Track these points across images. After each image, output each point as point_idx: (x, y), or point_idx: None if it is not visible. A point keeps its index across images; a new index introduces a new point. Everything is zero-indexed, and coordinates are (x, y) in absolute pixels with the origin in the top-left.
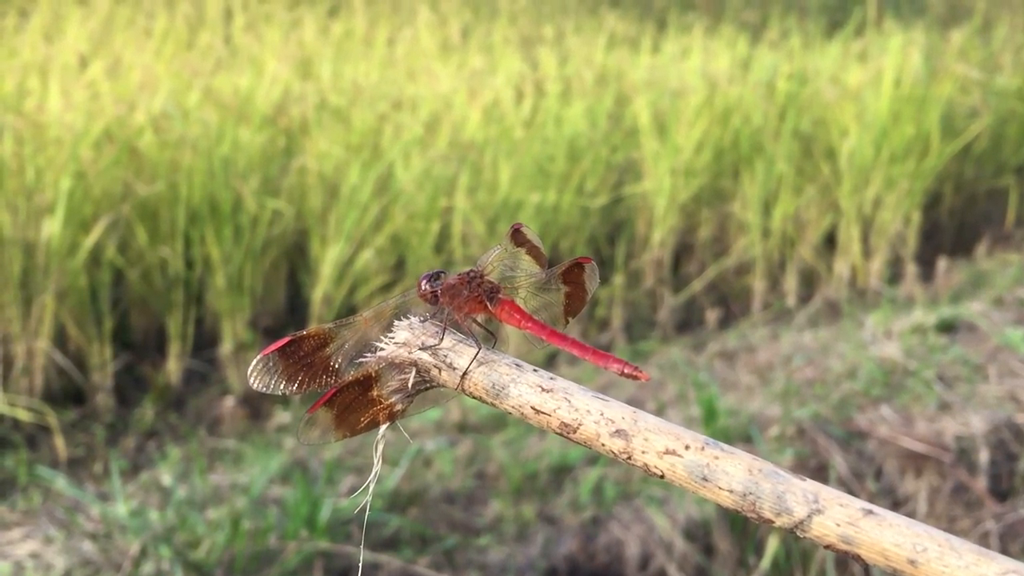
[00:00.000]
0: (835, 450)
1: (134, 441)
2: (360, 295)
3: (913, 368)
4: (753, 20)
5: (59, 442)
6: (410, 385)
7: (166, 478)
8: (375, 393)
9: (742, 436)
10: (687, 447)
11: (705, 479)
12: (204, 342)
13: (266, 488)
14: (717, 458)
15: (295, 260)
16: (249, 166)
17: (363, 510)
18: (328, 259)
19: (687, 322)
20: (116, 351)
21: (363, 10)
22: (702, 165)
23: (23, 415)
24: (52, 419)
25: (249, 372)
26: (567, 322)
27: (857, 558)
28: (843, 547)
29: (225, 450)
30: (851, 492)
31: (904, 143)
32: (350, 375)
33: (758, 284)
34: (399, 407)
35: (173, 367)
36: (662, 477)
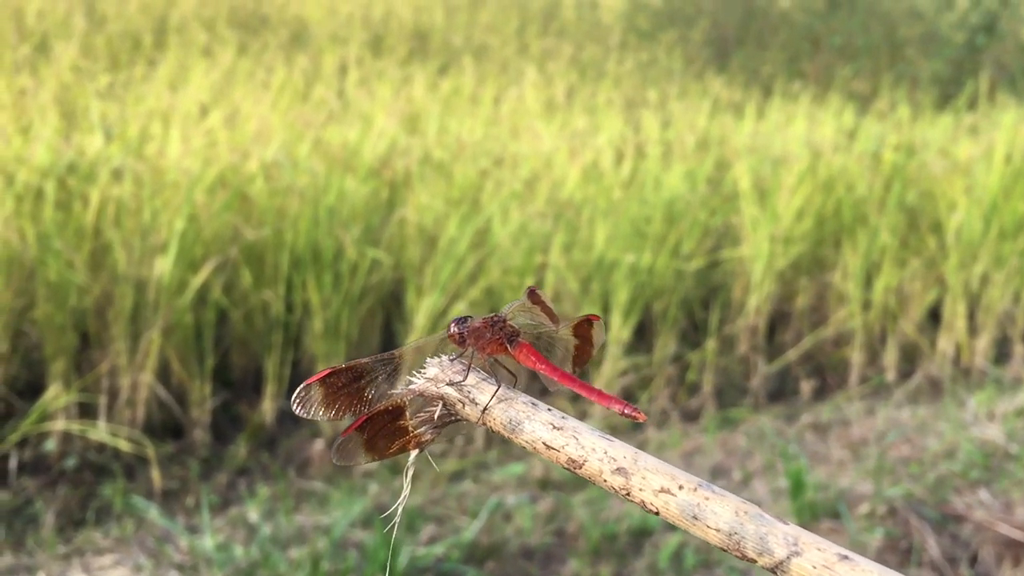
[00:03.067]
0: (928, 532)
1: (226, 477)
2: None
3: (1015, 452)
4: (862, 90)
5: (155, 474)
6: (436, 417)
7: (253, 515)
8: (403, 422)
9: (830, 512)
10: (681, 487)
11: (695, 518)
12: (299, 384)
13: (348, 531)
14: (708, 499)
15: (391, 309)
16: (352, 216)
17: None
18: (422, 309)
19: (780, 391)
20: (215, 389)
21: (472, 69)
22: (802, 233)
23: (124, 445)
24: (150, 451)
25: (292, 399)
26: (575, 370)
27: None
28: None
29: (312, 491)
30: None
31: (1015, 220)
32: (381, 404)
33: (856, 357)
34: (427, 437)
35: (268, 407)
36: (657, 514)
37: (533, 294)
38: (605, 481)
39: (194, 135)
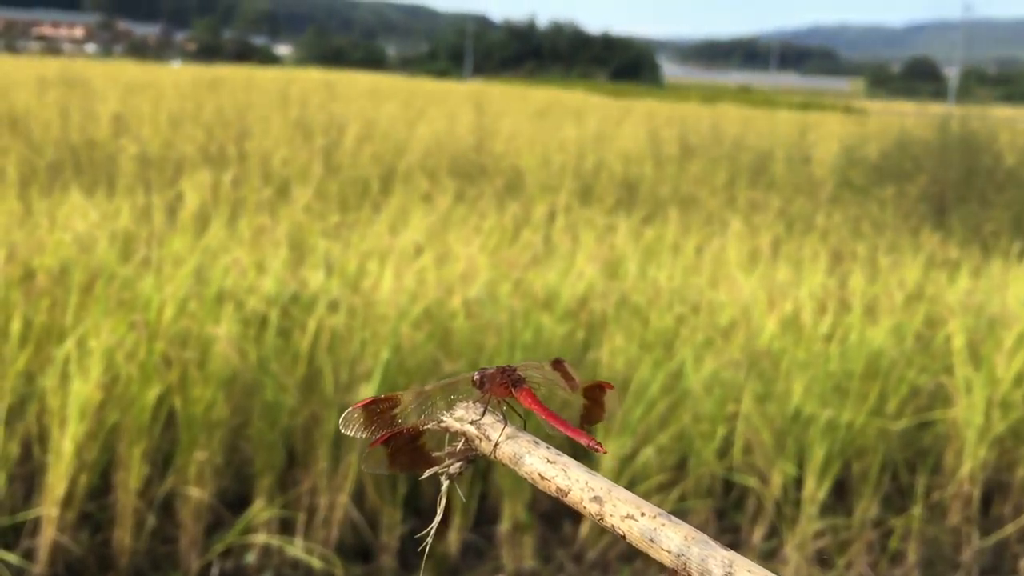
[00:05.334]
0: None
1: None
2: (636, 490)
3: None
4: None
5: None
6: (458, 449)
7: None
8: (420, 444)
9: None
10: (643, 514)
11: (652, 540)
12: (484, 518)
13: None
14: (664, 525)
15: (578, 450)
16: (547, 354)
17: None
18: (610, 452)
19: (997, 569)
20: (405, 515)
21: (677, 218)
22: (1022, 398)
23: (316, 564)
24: (339, 571)
25: (340, 420)
26: (583, 427)
27: None
28: None
29: None
30: None
31: None
32: (401, 426)
33: None
34: (455, 468)
35: (454, 538)
36: (623, 537)
37: (559, 364)
38: (585, 507)
39: (406, 273)
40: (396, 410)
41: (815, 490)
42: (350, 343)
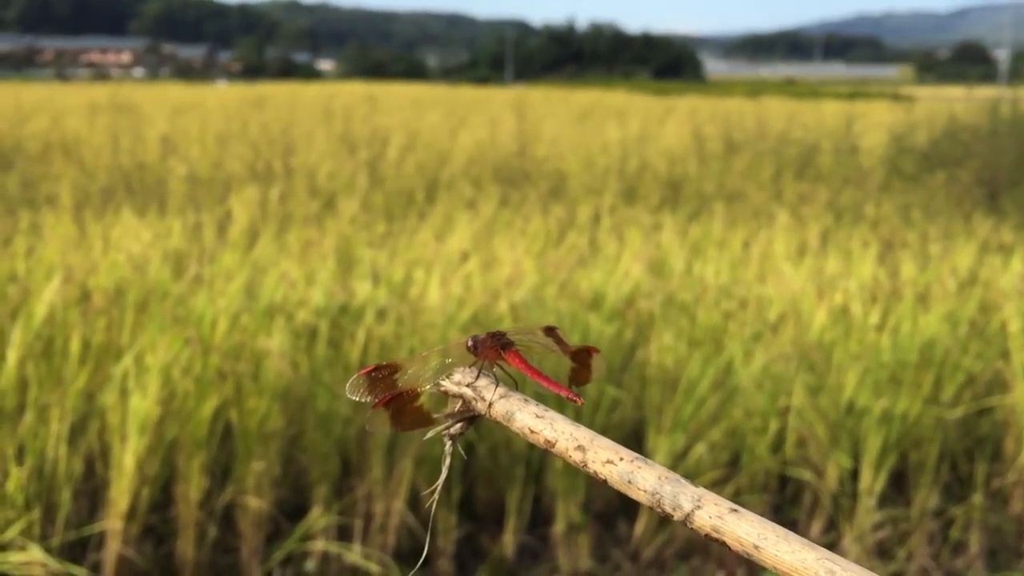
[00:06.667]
0: None
1: None
2: None
3: None
4: None
5: None
6: (456, 409)
7: None
8: (419, 404)
9: None
10: (621, 459)
11: (630, 482)
12: (540, 520)
13: None
14: (640, 468)
15: (632, 446)
16: None
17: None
18: (662, 449)
19: None
20: (460, 520)
21: (723, 214)
22: None
23: (375, 569)
24: None
25: (347, 385)
26: (571, 387)
27: (723, 543)
28: (715, 535)
29: None
30: None
31: None
32: (401, 388)
33: None
34: (456, 428)
35: (509, 541)
36: (605, 481)
37: (551, 331)
38: (570, 456)
39: (452, 279)
40: (397, 375)
41: (872, 482)
42: (399, 351)
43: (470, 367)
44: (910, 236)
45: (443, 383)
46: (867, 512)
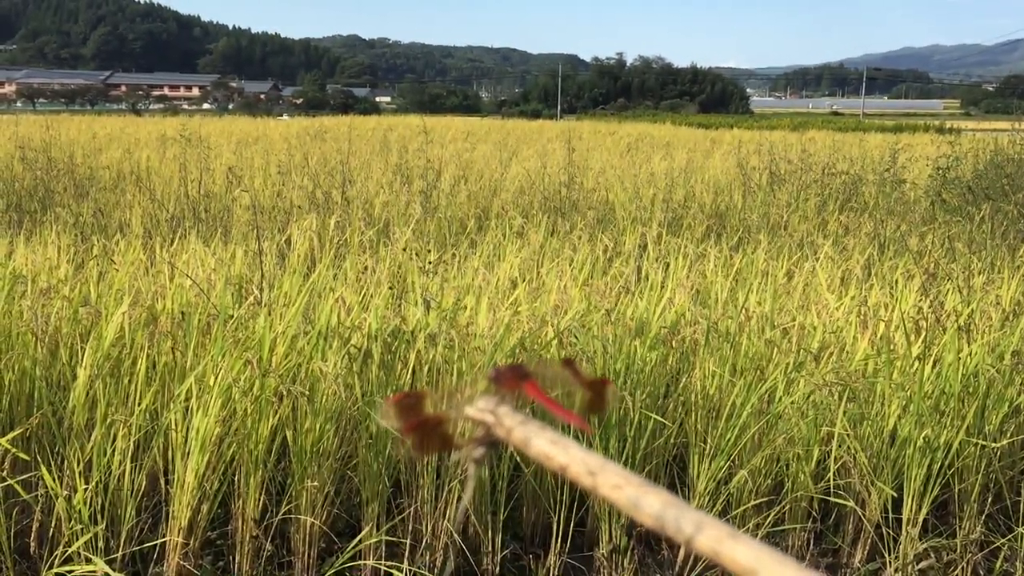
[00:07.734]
0: None
1: None
2: (733, 513)
3: None
4: None
5: None
6: (479, 436)
7: None
8: (442, 430)
9: None
10: (629, 484)
11: (636, 505)
12: (583, 542)
13: None
14: (647, 493)
15: (674, 472)
16: (639, 381)
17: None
18: (704, 474)
19: None
20: (505, 541)
21: (766, 245)
22: None
23: None
24: None
25: (378, 412)
26: (587, 417)
27: (721, 565)
28: (714, 558)
29: None
30: None
31: None
32: (428, 414)
33: None
34: (478, 453)
35: (552, 562)
36: (614, 503)
37: (568, 363)
38: (582, 480)
39: (501, 306)
40: (425, 402)
41: (915, 511)
42: (449, 374)
43: (491, 396)
44: (954, 267)
45: (467, 410)
46: (910, 542)
